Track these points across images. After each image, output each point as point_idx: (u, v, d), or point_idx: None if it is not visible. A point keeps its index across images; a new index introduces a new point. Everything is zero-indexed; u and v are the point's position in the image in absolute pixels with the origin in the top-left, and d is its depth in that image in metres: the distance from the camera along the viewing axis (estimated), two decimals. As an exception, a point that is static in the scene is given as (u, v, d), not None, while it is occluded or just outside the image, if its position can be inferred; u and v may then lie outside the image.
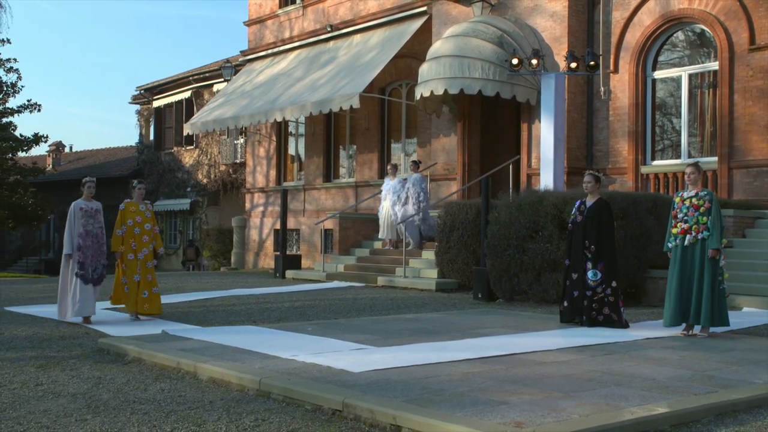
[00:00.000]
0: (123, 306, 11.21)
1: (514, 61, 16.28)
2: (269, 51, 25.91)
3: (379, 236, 18.71)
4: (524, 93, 17.40)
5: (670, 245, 9.38)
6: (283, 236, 19.85)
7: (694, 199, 9.20)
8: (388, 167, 18.91)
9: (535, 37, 17.61)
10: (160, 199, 33.97)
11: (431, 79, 17.79)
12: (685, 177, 9.42)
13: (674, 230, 9.30)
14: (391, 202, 18.00)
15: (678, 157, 16.67)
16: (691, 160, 14.20)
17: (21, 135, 31.64)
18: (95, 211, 10.92)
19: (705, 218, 9.11)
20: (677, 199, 9.41)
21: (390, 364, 7.11)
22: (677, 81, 16.79)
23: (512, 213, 13.41)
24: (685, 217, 9.21)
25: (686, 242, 9.17)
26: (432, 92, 17.85)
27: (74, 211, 10.78)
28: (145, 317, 11.03)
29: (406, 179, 18.11)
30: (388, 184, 18.34)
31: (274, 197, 25.41)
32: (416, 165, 18.20)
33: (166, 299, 13.91)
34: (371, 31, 22.18)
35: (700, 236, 9.10)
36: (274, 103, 22.21)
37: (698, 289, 9.10)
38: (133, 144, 39.34)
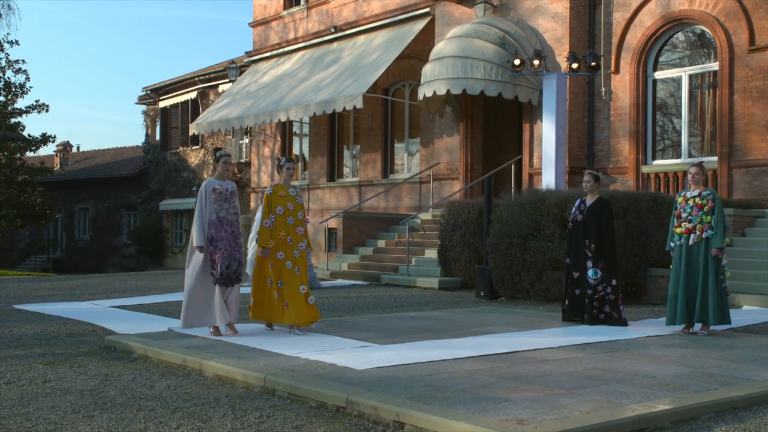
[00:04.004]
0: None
1: (516, 62, 16.34)
2: (274, 52, 25.98)
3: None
4: (526, 93, 17.47)
5: (672, 244, 9.41)
6: (287, 235, 19.88)
7: (697, 199, 9.23)
8: (260, 197, 17.02)
9: (537, 38, 17.67)
10: (166, 199, 34.11)
11: (434, 80, 17.86)
12: (689, 177, 9.40)
13: (678, 230, 9.33)
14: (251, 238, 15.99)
15: (678, 156, 16.73)
16: (695, 160, 14.21)
17: (29, 135, 31.78)
18: (230, 193, 8.80)
19: (709, 217, 9.14)
20: (680, 199, 9.42)
21: (393, 362, 7.15)
22: (678, 81, 16.85)
23: (514, 212, 13.47)
24: (689, 217, 9.23)
25: (691, 241, 9.20)
26: (435, 92, 17.92)
27: (206, 192, 8.68)
28: (300, 329, 8.97)
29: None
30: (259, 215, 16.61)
31: (278, 197, 25.46)
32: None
33: (172, 297, 14.07)
34: (375, 32, 22.24)
35: (704, 235, 9.14)
36: (278, 103, 22.28)
37: (702, 288, 9.12)
38: (140, 144, 39.48)
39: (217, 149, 9.07)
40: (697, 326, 9.35)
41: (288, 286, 8.81)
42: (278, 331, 9.14)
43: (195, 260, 8.75)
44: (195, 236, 8.63)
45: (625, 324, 9.83)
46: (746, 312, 11.25)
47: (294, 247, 8.87)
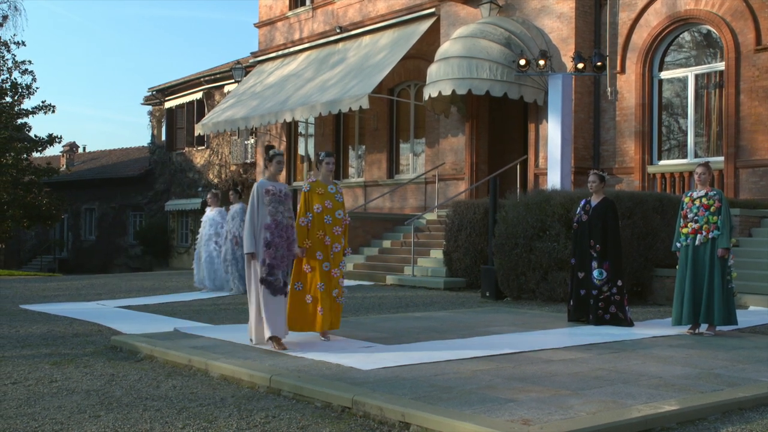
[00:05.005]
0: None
1: (522, 62, 16.33)
2: (279, 52, 26.01)
3: (195, 282, 15.60)
4: (532, 93, 17.45)
5: (679, 245, 9.40)
6: (292, 236, 19.91)
7: (704, 199, 9.22)
8: (208, 196, 15.71)
9: (543, 38, 17.66)
10: (172, 199, 34.16)
11: (440, 80, 17.86)
12: (696, 177, 9.39)
13: (684, 230, 9.31)
14: (206, 237, 15.23)
15: (684, 156, 16.70)
16: (701, 160, 14.21)
17: (35, 136, 31.85)
18: (284, 195, 8.11)
19: (715, 218, 9.13)
20: (686, 199, 9.41)
21: (399, 362, 7.16)
22: (684, 81, 16.82)
23: (520, 212, 13.46)
24: (696, 217, 9.22)
25: (697, 242, 9.19)
26: (440, 93, 17.91)
27: (258, 195, 7.97)
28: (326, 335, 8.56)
29: (229, 209, 14.80)
30: (207, 215, 15.50)
31: (284, 197, 25.51)
32: (238, 194, 15.04)
33: (178, 298, 14.09)
34: (380, 33, 22.25)
35: (711, 235, 9.13)
36: (284, 103, 22.30)
37: (708, 289, 9.11)
38: (146, 144, 39.55)
39: (269, 147, 8.45)
40: (704, 327, 9.34)
41: (326, 289, 8.31)
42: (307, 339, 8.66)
43: (252, 270, 8.05)
44: (246, 243, 7.91)
45: (630, 324, 9.82)
46: (753, 312, 11.23)
47: (331, 247, 8.32)
